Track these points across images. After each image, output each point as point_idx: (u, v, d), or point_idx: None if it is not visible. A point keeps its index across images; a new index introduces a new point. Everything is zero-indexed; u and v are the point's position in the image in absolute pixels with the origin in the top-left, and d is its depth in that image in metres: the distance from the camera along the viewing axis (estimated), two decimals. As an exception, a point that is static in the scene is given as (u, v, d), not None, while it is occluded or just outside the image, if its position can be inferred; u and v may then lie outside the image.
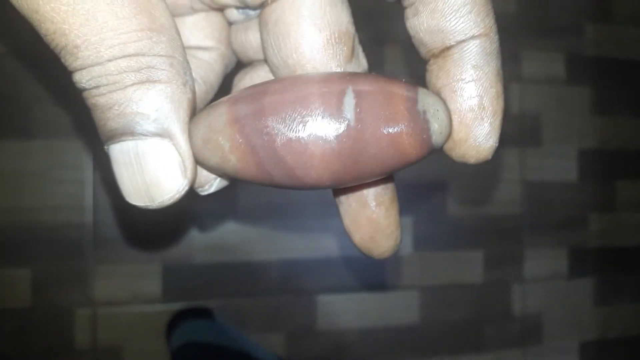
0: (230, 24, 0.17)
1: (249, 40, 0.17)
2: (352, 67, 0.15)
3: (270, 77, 0.16)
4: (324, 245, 0.75)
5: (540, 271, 0.85)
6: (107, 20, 0.12)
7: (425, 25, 0.14)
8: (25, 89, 0.68)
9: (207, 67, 0.17)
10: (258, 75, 0.17)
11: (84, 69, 0.12)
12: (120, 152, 0.13)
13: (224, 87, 0.19)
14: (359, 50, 0.16)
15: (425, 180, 0.80)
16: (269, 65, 0.16)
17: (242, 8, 0.16)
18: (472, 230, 0.82)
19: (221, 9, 0.17)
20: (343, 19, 0.15)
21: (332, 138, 0.12)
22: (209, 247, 0.73)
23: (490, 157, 0.14)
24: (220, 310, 0.72)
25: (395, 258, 0.79)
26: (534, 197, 0.85)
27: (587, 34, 0.89)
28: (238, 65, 0.19)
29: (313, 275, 0.76)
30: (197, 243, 0.73)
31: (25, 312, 0.67)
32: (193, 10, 0.17)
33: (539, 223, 0.85)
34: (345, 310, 0.77)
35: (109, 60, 0.12)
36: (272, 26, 0.15)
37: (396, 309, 0.78)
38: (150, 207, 0.14)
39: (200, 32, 0.17)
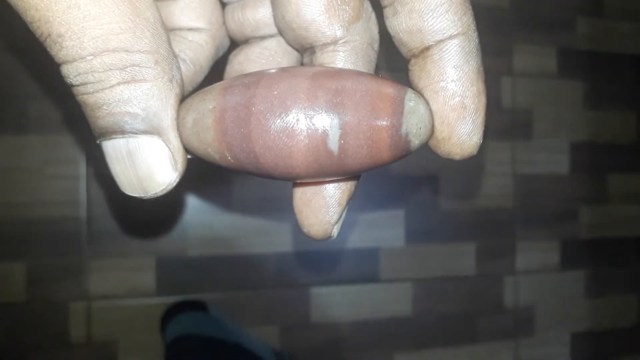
0: (225, 4, 0.17)
1: (246, 18, 0.17)
2: (358, 29, 0.15)
3: (265, 54, 0.17)
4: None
5: (532, 263, 0.85)
6: (89, 8, 0.12)
7: (404, 25, 0.14)
8: (19, 84, 0.68)
9: (198, 49, 0.17)
10: (253, 52, 0.17)
11: (70, 62, 0.12)
12: (112, 149, 0.14)
13: (218, 67, 0.19)
14: (371, 16, 0.16)
15: (417, 173, 0.80)
16: (278, 31, 0.16)
17: None
18: (465, 223, 0.83)
19: None
20: None
21: (307, 140, 0.12)
22: (203, 240, 0.73)
23: (475, 153, 0.14)
24: (215, 303, 0.72)
25: (387, 251, 0.79)
26: (526, 190, 0.85)
27: (579, 28, 0.89)
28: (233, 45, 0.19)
29: (307, 268, 0.76)
30: (192, 236, 0.73)
31: (20, 307, 0.67)
32: None
33: (531, 216, 0.86)
34: (339, 303, 0.77)
35: (93, 55, 0.12)
36: None
37: (389, 301, 0.79)
38: (145, 198, 0.14)
39: (192, 13, 0.17)
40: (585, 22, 0.90)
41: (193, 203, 0.73)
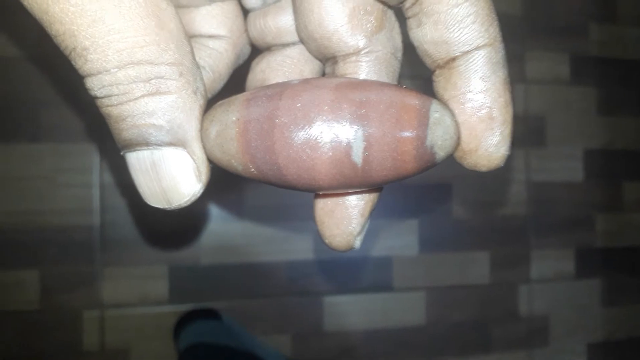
0: (247, 11, 0.17)
1: (268, 25, 0.17)
2: (381, 39, 0.15)
3: (286, 61, 0.17)
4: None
5: (547, 272, 0.85)
6: (114, 22, 0.12)
7: (429, 36, 0.14)
8: (33, 93, 0.68)
9: (218, 56, 0.17)
10: (275, 60, 0.17)
11: (95, 75, 0.12)
12: (136, 160, 0.14)
13: (239, 74, 0.19)
14: (395, 25, 0.16)
15: (431, 181, 0.80)
16: (301, 40, 0.16)
17: None
18: (478, 231, 0.82)
19: None
20: None
21: (331, 152, 0.12)
22: (216, 249, 0.73)
23: (502, 164, 0.14)
24: (227, 312, 0.72)
25: (401, 259, 0.79)
26: (540, 198, 0.85)
27: (592, 35, 0.89)
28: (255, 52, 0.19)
29: (319, 276, 0.76)
30: (204, 245, 0.73)
31: (33, 314, 0.68)
32: (209, 1, 0.17)
33: (545, 224, 0.85)
34: (352, 312, 0.77)
35: (118, 67, 0.12)
36: (298, 5, 0.15)
37: (402, 309, 0.79)
38: (168, 209, 0.14)
39: (213, 21, 0.17)
40: (598, 28, 0.89)
41: (206, 211, 0.73)
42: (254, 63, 0.17)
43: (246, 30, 0.18)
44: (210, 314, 0.69)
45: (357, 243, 0.15)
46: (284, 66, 0.17)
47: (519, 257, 0.84)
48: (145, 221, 0.71)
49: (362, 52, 0.15)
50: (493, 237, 0.83)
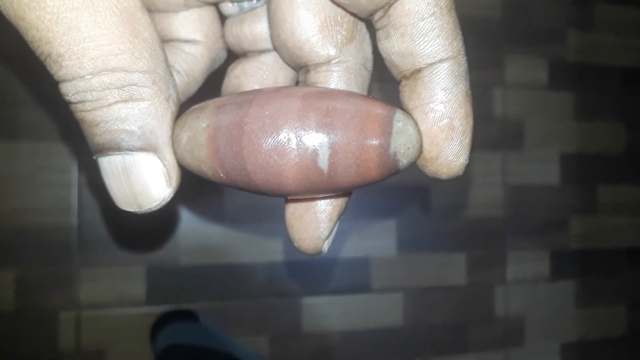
0: (224, 17, 0.18)
1: (244, 32, 0.17)
2: (351, 51, 0.15)
3: (261, 67, 0.17)
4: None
5: (523, 273, 0.86)
6: (89, 30, 0.12)
7: (396, 48, 0.14)
8: (11, 91, 0.68)
9: (193, 61, 0.18)
10: (250, 66, 0.17)
11: (69, 81, 0.13)
12: (108, 165, 0.14)
13: (215, 78, 0.19)
14: (365, 37, 0.16)
15: (409, 184, 0.81)
16: (274, 48, 0.17)
17: (238, 1, 0.17)
18: (455, 233, 0.83)
19: (216, 3, 0.17)
20: (337, 6, 0.15)
21: (298, 158, 0.12)
22: (195, 250, 0.73)
23: (461, 173, 0.15)
24: (205, 313, 0.72)
25: (379, 260, 0.80)
26: (516, 201, 0.86)
27: (569, 41, 0.91)
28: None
29: (298, 277, 0.77)
30: (183, 246, 0.73)
31: (9, 315, 0.67)
32: (186, 7, 0.17)
33: (521, 226, 0.87)
34: (330, 313, 0.77)
35: (92, 74, 0.12)
36: (272, 14, 0.15)
37: (380, 311, 0.79)
38: (139, 213, 0.14)
39: (189, 26, 0.17)
40: (576, 34, 0.91)
41: (185, 213, 0.73)
42: (229, 69, 0.18)
43: (222, 36, 0.18)
44: (188, 315, 0.69)
45: (325, 247, 0.16)
46: (259, 72, 0.17)
47: (495, 259, 0.85)
48: (123, 221, 0.71)
49: (333, 61, 0.15)
50: (470, 239, 0.84)
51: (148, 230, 0.72)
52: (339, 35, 0.15)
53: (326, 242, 0.16)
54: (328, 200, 0.16)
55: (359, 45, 0.16)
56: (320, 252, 0.16)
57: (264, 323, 0.75)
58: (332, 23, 0.15)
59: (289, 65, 0.17)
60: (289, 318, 0.76)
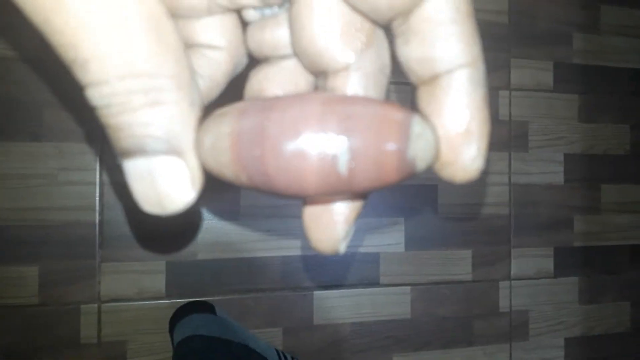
0: (247, 23, 0.18)
1: (265, 38, 0.17)
2: (370, 57, 0.15)
3: (283, 72, 0.17)
4: None
5: (527, 270, 0.87)
6: (115, 35, 0.12)
7: (415, 54, 0.14)
8: (35, 93, 0.70)
9: (215, 66, 0.18)
10: (272, 71, 0.17)
11: (94, 86, 0.13)
12: (133, 168, 0.14)
13: (237, 82, 0.20)
14: (383, 43, 0.16)
15: (418, 182, 0.82)
16: (294, 54, 0.17)
17: (260, 8, 0.17)
18: (462, 230, 0.84)
19: (239, 9, 0.17)
20: (357, 12, 0.15)
21: (318, 162, 0.13)
22: (212, 245, 0.75)
23: (477, 177, 0.15)
24: (222, 306, 0.74)
25: (388, 256, 0.81)
26: (522, 199, 0.87)
27: (575, 44, 0.92)
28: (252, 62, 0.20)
29: (311, 271, 0.78)
30: (200, 241, 0.75)
31: (33, 309, 0.69)
32: (209, 13, 0.17)
33: (526, 224, 0.88)
34: (341, 306, 0.79)
35: (118, 79, 0.12)
36: (293, 20, 0.15)
37: (389, 304, 0.80)
38: (162, 215, 0.14)
39: (212, 31, 0.17)
40: (581, 37, 0.92)
41: (203, 209, 0.75)
42: (252, 73, 0.18)
43: (244, 42, 0.18)
44: (205, 308, 0.70)
45: (342, 248, 0.16)
46: (280, 77, 0.17)
47: (500, 255, 0.86)
48: (143, 219, 0.73)
49: (352, 68, 0.15)
50: (476, 236, 0.85)
51: (167, 227, 0.74)
52: (358, 42, 0.15)
53: (343, 243, 0.16)
54: (345, 203, 0.16)
55: (378, 52, 0.16)
56: (337, 253, 0.16)
57: (278, 315, 0.77)
58: (352, 30, 0.15)
59: (309, 71, 0.17)
60: (302, 310, 0.78)
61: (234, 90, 0.21)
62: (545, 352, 0.87)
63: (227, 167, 0.13)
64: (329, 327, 0.78)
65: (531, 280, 0.87)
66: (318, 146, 0.13)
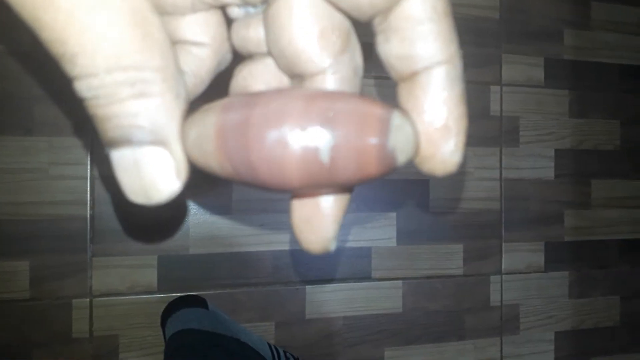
0: (231, 20, 0.18)
1: (249, 35, 0.17)
2: (345, 60, 0.16)
3: (267, 69, 0.18)
4: None
5: (518, 264, 0.88)
6: (103, 30, 0.13)
7: (394, 51, 0.15)
8: (27, 87, 0.70)
9: (199, 62, 0.18)
10: (256, 68, 0.18)
11: (83, 78, 0.13)
12: (120, 158, 0.14)
13: (224, 78, 0.20)
14: (356, 47, 0.17)
15: (409, 177, 0.83)
16: (271, 55, 0.17)
17: (243, 6, 0.17)
18: (453, 224, 0.85)
19: (223, 7, 0.18)
20: (335, 15, 0.16)
21: (303, 160, 0.13)
22: (203, 240, 0.75)
23: (454, 170, 0.15)
24: (214, 300, 0.74)
25: (380, 250, 0.81)
26: (513, 195, 0.88)
27: (565, 40, 0.93)
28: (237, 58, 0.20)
29: (303, 266, 0.79)
30: (192, 235, 0.75)
31: (25, 303, 0.69)
32: (193, 10, 0.17)
33: (517, 219, 0.88)
34: (333, 300, 0.79)
35: (106, 72, 0.13)
36: (271, 21, 0.16)
37: (381, 298, 0.81)
38: (149, 205, 0.15)
39: (196, 29, 0.18)
40: (572, 33, 0.93)
41: (194, 204, 0.75)
42: (236, 70, 0.18)
43: (228, 39, 0.18)
44: (197, 302, 0.71)
45: (332, 246, 0.16)
46: (265, 74, 0.18)
47: (491, 250, 0.87)
48: (135, 213, 0.73)
49: (328, 71, 0.16)
50: (467, 230, 0.86)
51: (159, 221, 0.74)
52: (335, 46, 0.16)
53: (333, 241, 0.16)
54: (332, 203, 0.16)
55: (352, 54, 0.16)
56: (328, 251, 0.17)
57: (270, 309, 0.77)
58: (329, 33, 0.15)
59: (285, 73, 0.17)
60: (294, 305, 0.78)
61: (219, 86, 0.21)
62: (536, 346, 0.88)
63: (212, 158, 0.14)
64: (321, 321, 0.79)
65: (522, 275, 0.88)
66: (301, 137, 0.13)
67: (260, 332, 0.76)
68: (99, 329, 0.71)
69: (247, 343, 0.65)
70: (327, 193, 0.16)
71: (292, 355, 0.73)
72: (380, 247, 0.82)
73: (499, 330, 0.86)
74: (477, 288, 0.85)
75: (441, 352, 0.83)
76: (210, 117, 0.14)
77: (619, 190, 0.94)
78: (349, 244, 0.80)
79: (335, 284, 0.80)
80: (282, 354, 0.71)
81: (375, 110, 0.13)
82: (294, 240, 0.77)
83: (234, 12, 0.18)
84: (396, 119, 0.13)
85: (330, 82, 0.16)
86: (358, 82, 0.17)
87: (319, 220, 0.16)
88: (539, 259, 0.89)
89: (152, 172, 0.14)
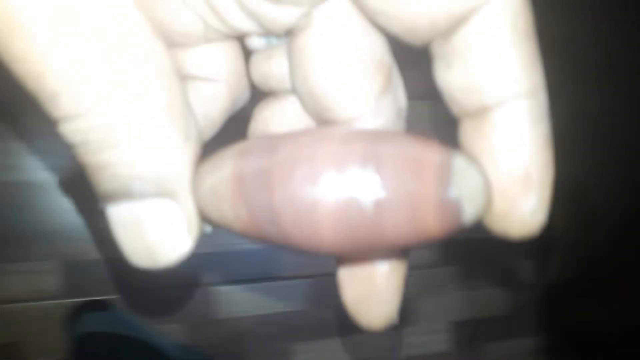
0: (250, 52, 0.16)
1: (272, 70, 0.15)
2: (386, 102, 0.13)
3: (293, 109, 0.15)
4: (221, 241, 0.79)
5: (413, 260, 0.93)
6: (89, 61, 0.10)
7: (459, 81, 0.12)
8: None
9: (211, 101, 0.15)
10: (281, 107, 0.15)
11: (68, 120, 0.11)
12: (118, 215, 0.12)
13: (241, 120, 0.18)
14: (398, 83, 0.14)
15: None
16: (296, 94, 0.14)
17: (265, 36, 0.14)
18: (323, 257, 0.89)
19: (240, 37, 0.15)
20: (377, 47, 0.13)
21: (339, 207, 0.11)
22: (108, 243, 0.74)
23: (538, 232, 0.12)
24: (121, 304, 0.73)
25: (286, 250, 0.84)
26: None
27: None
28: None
29: (212, 268, 0.80)
30: (96, 239, 0.74)
31: None
32: (206, 40, 0.14)
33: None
34: (243, 300, 0.81)
35: (96, 111, 0.11)
36: (299, 55, 0.13)
37: (289, 296, 0.84)
38: (155, 269, 0.12)
39: (209, 62, 0.15)
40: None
41: (97, 207, 0.74)
42: (256, 110, 0.16)
43: (246, 74, 0.16)
44: (103, 306, 0.70)
45: (396, 319, 0.15)
46: (291, 115, 0.15)
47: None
48: (36, 217, 0.71)
49: (367, 117, 0.13)
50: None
51: (61, 225, 0.72)
52: (375, 85, 0.13)
53: (396, 315, 0.14)
54: (389, 272, 0.14)
55: (394, 94, 0.14)
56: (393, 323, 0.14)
57: (179, 311, 0.78)
58: (370, 70, 0.13)
59: (312, 117, 0.14)
60: (204, 306, 0.79)
61: (235, 130, 0.18)
62: (433, 336, 0.95)
63: (226, 205, 0.11)
64: (231, 321, 0.81)
65: (418, 270, 0.93)
66: (336, 182, 0.10)
67: (169, 333, 0.76)
68: (2, 336, 0.69)
69: (154, 344, 0.66)
70: (378, 259, 0.14)
71: (204, 354, 0.74)
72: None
73: (399, 322, 0.91)
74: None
75: (347, 344, 0.88)
76: (227, 162, 0.12)
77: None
78: (256, 246, 0.82)
79: (245, 285, 0.82)
80: (193, 353, 0.72)
81: (431, 150, 0.11)
82: (203, 242, 0.77)
83: (254, 42, 0.15)
84: (460, 162, 0.11)
85: (369, 127, 0.13)
86: (402, 125, 0.14)
87: (377, 297, 0.14)
88: (433, 255, 0.95)
89: (158, 231, 0.12)
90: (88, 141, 0.11)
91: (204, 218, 0.12)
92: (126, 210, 0.12)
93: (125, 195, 0.12)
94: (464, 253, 0.97)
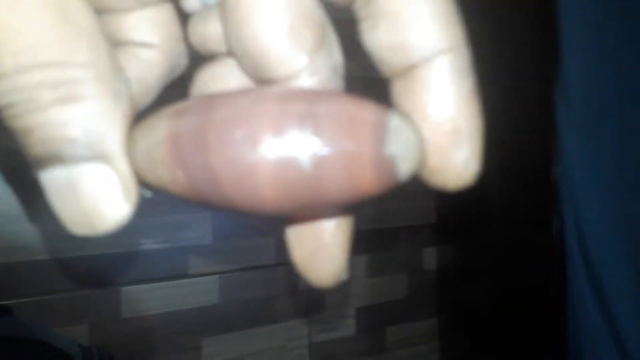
0: (187, 16, 0.15)
1: (209, 31, 0.14)
2: (321, 59, 0.13)
3: (232, 71, 0.15)
4: (127, 241, 0.79)
5: None
6: (6, 19, 0.10)
7: (384, 40, 0.12)
8: None
9: (147, 67, 0.15)
10: (220, 71, 0.15)
11: None
12: (51, 180, 0.11)
13: (181, 86, 0.17)
14: (333, 41, 0.14)
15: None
16: (232, 55, 0.14)
17: None
18: (265, 220, 0.91)
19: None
20: (306, 3, 0.13)
21: (279, 167, 0.11)
22: (5, 248, 0.72)
23: (473, 183, 0.13)
24: (20, 309, 0.70)
25: (196, 248, 0.85)
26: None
27: (364, 212, 1.01)
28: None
29: (117, 268, 0.79)
30: None
31: None
32: (140, 5, 0.14)
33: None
34: (150, 298, 0.81)
35: (18, 72, 0.10)
36: (231, 13, 0.13)
37: (198, 293, 0.85)
38: (95, 236, 0.12)
39: (144, 27, 0.15)
40: (367, 205, 0.99)
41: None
42: (196, 74, 0.15)
43: (183, 39, 0.16)
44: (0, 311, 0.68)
45: (345, 275, 0.15)
46: (230, 77, 0.15)
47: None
48: None
49: (304, 73, 0.13)
50: (279, 224, 0.93)
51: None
52: (310, 41, 0.13)
53: (344, 271, 0.15)
54: (335, 229, 0.14)
55: (329, 50, 0.13)
56: (341, 281, 0.15)
57: (83, 313, 0.76)
58: (302, 25, 0.12)
59: (250, 77, 0.14)
60: (108, 306, 0.78)
61: (176, 96, 0.19)
62: (340, 322, 0.99)
63: (162, 168, 0.11)
64: (137, 320, 0.80)
65: None
66: (275, 142, 0.11)
67: (73, 335, 0.75)
68: None
69: (52, 345, 0.64)
70: (323, 217, 0.14)
71: (105, 353, 0.74)
72: (197, 245, 0.85)
73: (307, 311, 0.95)
74: (287, 275, 0.92)
75: (256, 335, 0.90)
76: (161, 123, 0.11)
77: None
78: (165, 245, 0.82)
79: (152, 284, 0.81)
80: (94, 353, 0.72)
81: (367, 109, 0.11)
82: (107, 243, 0.77)
83: (190, 4, 0.15)
84: (394, 120, 0.11)
85: (306, 86, 0.13)
86: (339, 81, 0.14)
87: (324, 253, 0.14)
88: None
89: (93, 195, 0.11)
90: (13, 103, 0.10)
91: (142, 182, 0.12)
92: (59, 175, 0.11)
93: (56, 159, 0.11)
94: (369, 244, 1.03)
